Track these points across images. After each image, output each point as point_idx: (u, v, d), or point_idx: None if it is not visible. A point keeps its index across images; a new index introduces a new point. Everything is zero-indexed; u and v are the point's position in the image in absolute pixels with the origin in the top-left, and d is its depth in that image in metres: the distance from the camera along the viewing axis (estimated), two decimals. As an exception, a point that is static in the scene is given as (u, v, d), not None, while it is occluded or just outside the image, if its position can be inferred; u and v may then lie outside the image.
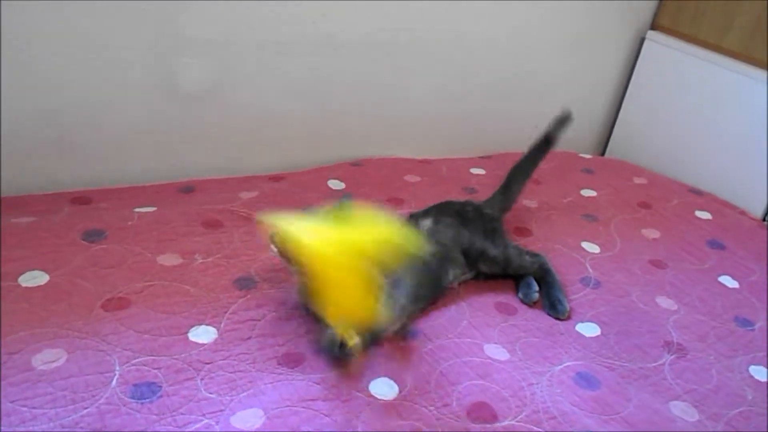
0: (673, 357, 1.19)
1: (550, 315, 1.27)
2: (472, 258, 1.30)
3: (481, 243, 1.32)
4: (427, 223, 1.32)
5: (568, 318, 1.26)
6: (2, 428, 0.85)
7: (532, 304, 1.28)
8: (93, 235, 1.25)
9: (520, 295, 1.31)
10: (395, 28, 1.72)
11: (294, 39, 1.59)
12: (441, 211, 1.37)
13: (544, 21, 1.96)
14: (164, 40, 1.45)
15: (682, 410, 1.07)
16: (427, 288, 1.21)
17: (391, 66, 1.77)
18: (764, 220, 1.85)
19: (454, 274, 1.27)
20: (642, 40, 2.13)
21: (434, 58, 1.83)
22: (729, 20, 1.93)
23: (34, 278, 1.12)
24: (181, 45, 1.47)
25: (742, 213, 1.79)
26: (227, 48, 1.52)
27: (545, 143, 1.54)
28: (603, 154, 2.31)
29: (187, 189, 1.51)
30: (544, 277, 1.33)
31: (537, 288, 1.30)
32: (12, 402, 0.89)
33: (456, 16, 1.79)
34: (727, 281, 1.45)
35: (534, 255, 1.37)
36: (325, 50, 1.65)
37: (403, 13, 1.70)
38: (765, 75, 1.84)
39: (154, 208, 1.37)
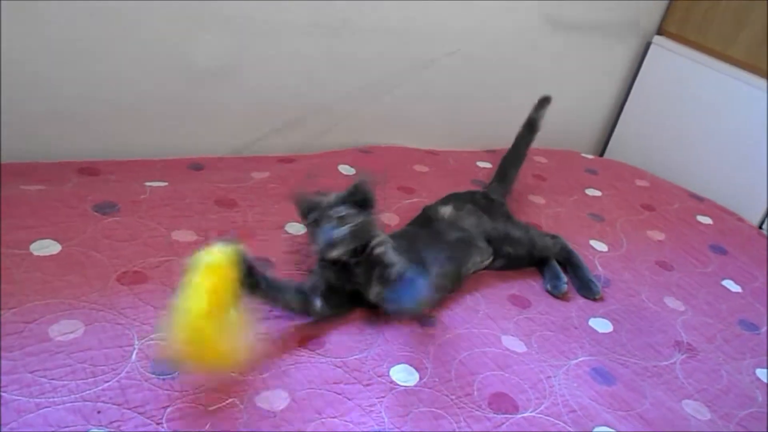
0: (684, 356, 1.20)
1: (584, 296, 1.30)
2: (497, 242, 1.31)
3: (503, 226, 1.33)
4: (448, 209, 1.31)
5: (602, 299, 1.29)
6: (22, 398, 0.82)
7: (561, 296, 1.29)
8: (105, 207, 1.22)
9: (548, 286, 1.30)
10: (410, 17, 1.71)
11: (310, 21, 1.57)
12: (458, 198, 1.37)
13: (552, 20, 1.96)
14: (182, 14, 1.41)
15: (694, 409, 1.09)
16: (452, 276, 1.21)
17: (403, 55, 1.76)
18: (761, 227, 1.89)
19: (473, 262, 1.27)
20: (648, 45, 2.15)
21: (442, 51, 1.82)
22: (736, 30, 1.96)
23: (45, 247, 1.09)
24: (199, 21, 1.44)
25: (740, 220, 1.82)
26: (244, 27, 1.49)
27: (530, 127, 1.58)
28: (602, 154, 2.33)
29: (197, 166, 1.48)
30: (569, 259, 1.35)
31: (565, 279, 1.31)
32: (31, 372, 0.86)
33: (468, 11, 1.78)
34: (731, 285, 1.47)
35: (553, 236, 1.40)
36: (340, 34, 1.63)
37: (418, 3, 1.69)
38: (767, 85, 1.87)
39: (166, 183, 1.34)
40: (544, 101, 1.55)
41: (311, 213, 1.10)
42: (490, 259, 1.31)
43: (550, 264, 1.35)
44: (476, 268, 1.29)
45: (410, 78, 1.81)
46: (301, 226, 1.26)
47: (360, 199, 1.09)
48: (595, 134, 2.34)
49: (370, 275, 1.07)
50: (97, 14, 1.33)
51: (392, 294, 1.04)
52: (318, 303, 1.07)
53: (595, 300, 1.29)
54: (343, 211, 1.07)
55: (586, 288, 1.31)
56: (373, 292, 1.08)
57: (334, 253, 1.05)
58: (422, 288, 1.00)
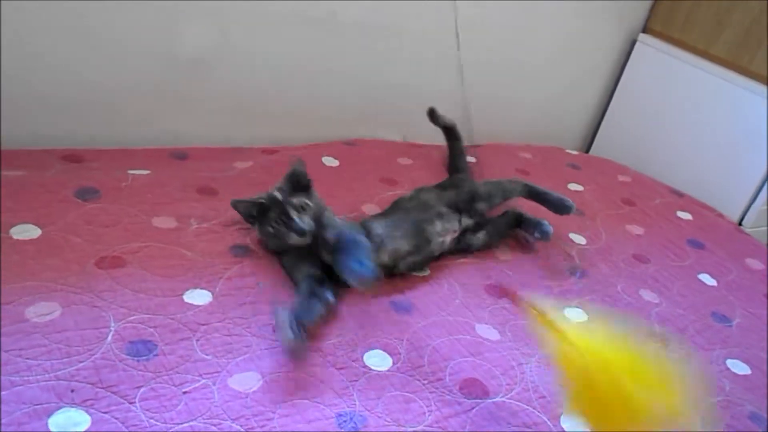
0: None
1: (565, 214, 1.43)
2: (465, 203, 1.37)
3: (468, 188, 1.41)
4: (406, 195, 1.40)
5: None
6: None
7: (551, 238, 1.39)
8: (87, 194, 1.23)
9: (537, 234, 1.39)
10: (394, 13, 1.72)
11: (296, 12, 1.58)
12: (423, 187, 1.45)
13: (538, 19, 1.98)
14: (166, 4, 1.42)
15: (663, 397, 1.11)
16: (412, 237, 1.25)
17: (387, 50, 1.77)
18: (740, 224, 1.92)
19: (443, 226, 1.31)
20: (633, 43, 2.18)
21: (428, 48, 1.84)
22: (718, 29, 1.98)
23: (26, 231, 1.10)
24: (183, 10, 1.45)
25: (720, 216, 1.85)
26: (229, 17, 1.51)
27: (450, 132, 1.65)
28: (588, 151, 2.35)
29: (180, 155, 1.49)
30: (535, 190, 1.47)
31: (546, 221, 1.39)
32: (6, 351, 0.87)
33: (452, 10, 1.80)
34: (706, 279, 1.49)
35: (511, 180, 1.49)
36: (325, 27, 1.64)
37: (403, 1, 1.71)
38: (748, 83, 1.89)
39: (148, 171, 1.35)
40: (432, 114, 1.61)
41: (266, 212, 1.17)
42: (462, 225, 1.35)
43: (524, 218, 1.41)
44: (451, 237, 1.32)
45: (394, 71, 1.82)
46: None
47: (299, 183, 1.20)
48: (581, 131, 2.36)
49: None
50: (81, 3, 1.34)
51: (338, 257, 1.11)
52: (329, 295, 1.11)
53: (574, 214, 1.45)
54: (296, 199, 1.16)
55: (561, 207, 1.42)
56: (325, 257, 1.15)
57: (308, 239, 1.12)
58: (363, 248, 1.09)
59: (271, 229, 1.16)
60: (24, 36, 1.32)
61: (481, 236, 1.38)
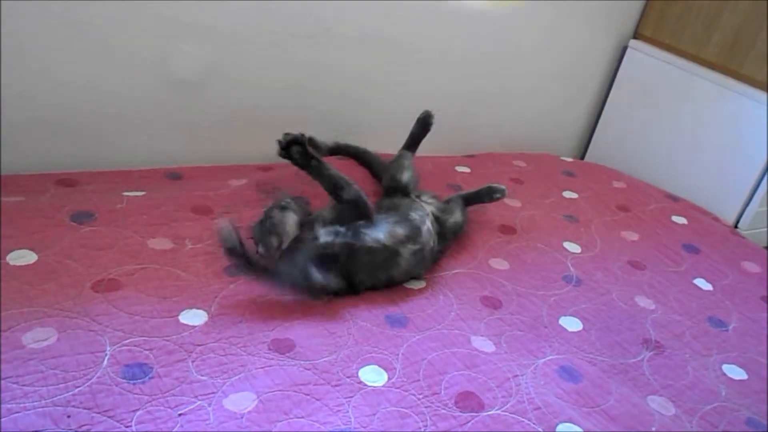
0: (651, 354, 1.23)
1: (497, 198, 1.53)
2: (401, 188, 1.47)
3: (389, 181, 1.51)
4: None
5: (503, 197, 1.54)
6: (-7, 404, 0.85)
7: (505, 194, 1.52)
8: (82, 217, 1.24)
9: (496, 195, 1.52)
10: (388, 26, 1.74)
11: (289, 30, 1.60)
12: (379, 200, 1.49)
13: (531, 26, 1.99)
14: (160, 25, 1.44)
15: (659, 404, 1.11)
16: (401, 219, 1.30)
17: (382, 63, 1.79)
18: (736, 226, 1.92)
19: (416, 214, 1.33)
20: (625, 49, 2.19)
21: (423, 59, 1.85)
22: (708, 33, 1.99)
23: (22, 257, 1.11)
24: (177, 31, 1.46)
25: (715, 219, 1.85)
26: (223, 36, 1.52)
27: (346, 152, 1.69)
28: (583, 158, 2.36)
29: (175, 176, 1.50)
30: (476, 192, 1.55)
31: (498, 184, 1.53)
32: (4, 379, 0.88)
33: (446, 18, 1.81)
34: (702, 284, 1.50)
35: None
36: (319, 42, 1.66)
37: (397, 12, 1.72)
38: (740, 86, 1.90)
39: (143, 193, 1.36)
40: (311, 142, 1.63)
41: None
42: (426, 202, 1.42)
43: (471, 195, 1.54)
44: (430, 220, 1.35)
45: (390, 84, 1.83)
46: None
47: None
48: (576, 138, 2.37)
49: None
50: (75, 24, 1.36)
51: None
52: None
53: (502, 198, 1.53)
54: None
55: (491, 191, 1.52)
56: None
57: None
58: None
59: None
60: (17, 59, 1.34)
61: (452, 219, 1.43)
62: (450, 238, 1.42)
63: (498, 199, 1.54)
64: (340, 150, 1.66)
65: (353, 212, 1.25)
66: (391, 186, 1.48)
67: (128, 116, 1.51)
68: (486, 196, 1.54)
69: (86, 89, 1.43)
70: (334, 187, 1.25)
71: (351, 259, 1.20)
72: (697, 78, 2.00)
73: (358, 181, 1.30)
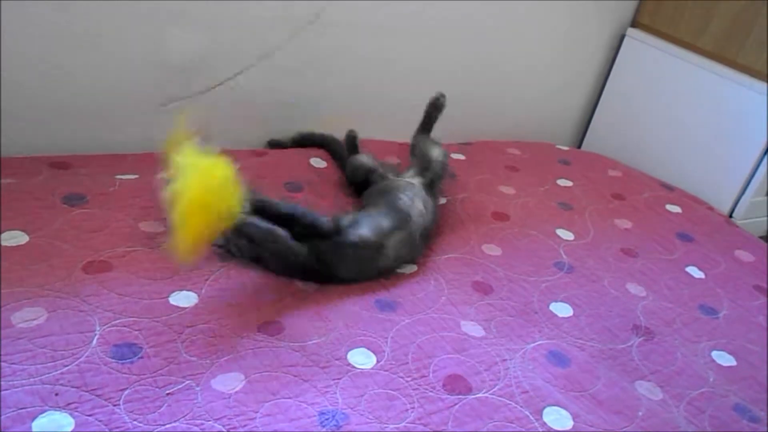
0: (640, 340, 1.23)
1: (437, 108, 1.57)
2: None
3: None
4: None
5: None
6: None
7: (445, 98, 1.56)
8: (74, 199, 1.24)
9: (441, 99, 1.57)
10: (382, 12, 1.73)
11: (284, 16, 1.59)
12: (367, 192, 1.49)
13: (527, 15, 1.98)
14: (154, 9, 1.44)
15: (647, 389, 1.12)
16: (387, 210, 1.31)
17: (375, 49, 1.78)
18: (731, 216, 1.92)
19: (406, 195, 1.35)
20: (622, 37, 2.18)
21: (418, 46, 1.85)
22: (705, 22, 1.98)
23: (14, 238, 1.11)
24: (171, 15, 1.46)
25: (710, 209, 1.85)
26: (217, 21, 1.52)
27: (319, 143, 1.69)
28: (579, 146, 2.36)
29: (169, 159, 1.50)
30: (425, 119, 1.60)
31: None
32: (-8, 357, 0.89)
33: (441, 6, 1.81)
34: (694, 271, 1.50)
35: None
36: (314, 28, 1.65)
37: (391, -2, 1.72)
38: (737, 76, 1.90)
39: (136, 176, 1.37)
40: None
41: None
42: (413, 178, 1.45)
43: (424, 119, 1.59)
44: (420, 201, 1.36)
45: (384, 71, 1.83)
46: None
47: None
48: (572, 126, 2.37)
49: None
50: (69, 11, 1.35)
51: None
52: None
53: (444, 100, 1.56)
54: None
55: (434, 102, 1.56)
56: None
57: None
58: None
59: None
60: (10, 43, 1.33)
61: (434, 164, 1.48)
62: (443, 178, 1.50)
63: (443, 103, 1.56)
64: (304, 139, 1.67)
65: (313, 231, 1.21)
66: (423, 167, 1.49)
67: (123, 102, 1.50)
68: (434, 111, 1.57)
69: (80, 73, 1.43)
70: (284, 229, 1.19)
71: (336, 254, 1.19)
72: (693, 67, 2.00)
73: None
